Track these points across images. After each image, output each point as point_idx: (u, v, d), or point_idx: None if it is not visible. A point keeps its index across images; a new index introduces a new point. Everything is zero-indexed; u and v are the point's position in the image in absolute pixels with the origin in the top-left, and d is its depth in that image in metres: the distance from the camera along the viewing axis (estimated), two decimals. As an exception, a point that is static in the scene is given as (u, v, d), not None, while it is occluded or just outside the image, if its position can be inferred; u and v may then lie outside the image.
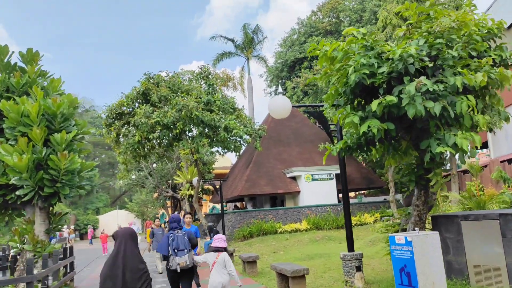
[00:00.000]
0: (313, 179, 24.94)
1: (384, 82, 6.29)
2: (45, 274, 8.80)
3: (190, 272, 6.97)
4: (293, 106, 8.56)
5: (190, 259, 6.76)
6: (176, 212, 14.18)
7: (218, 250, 6.55)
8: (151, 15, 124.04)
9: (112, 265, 3.99)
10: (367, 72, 6.04)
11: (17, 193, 10.16)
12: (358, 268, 8.27)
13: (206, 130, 18.76)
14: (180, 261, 6.68)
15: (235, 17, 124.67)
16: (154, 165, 31.08)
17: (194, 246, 7.02)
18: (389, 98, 5.90)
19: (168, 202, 37.68)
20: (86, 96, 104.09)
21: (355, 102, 7.13)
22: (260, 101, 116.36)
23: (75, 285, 12.86)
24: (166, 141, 19.02)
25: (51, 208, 11.09)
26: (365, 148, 7.25)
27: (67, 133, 10.66)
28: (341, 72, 6.55)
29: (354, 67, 6.15)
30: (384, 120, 6.37)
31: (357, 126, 6.41)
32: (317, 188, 24.82)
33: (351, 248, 8.54)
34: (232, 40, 43.39)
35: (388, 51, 6.26)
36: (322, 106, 9.50)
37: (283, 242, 19.42)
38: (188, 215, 9.87)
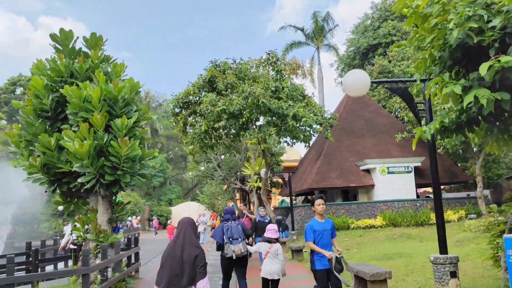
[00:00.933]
0: (389, 172, 23.13)
1: (496, 41, 4.89)
2: (102, 266, 8.35)
3: (244, 260, 7.22)
4: (372, 82, 7.30)
5: (244, 247, 7.05)
6: (242, 205, 13.58)
7: (270, 241, 6.86)
8: (220, 13, 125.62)
9: (172, 246, 4.39)
10: (475, 26, 4.70)
11: (79, 180, 9.87)
12: (453, 274, 6.89)
13: (274, 118, 17.83)
14: (235, 248, 6.94)
15: (304, 10, 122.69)
16: (222, 156, 30.78)
17: (247, 236, 7.39)
18: (505, 59, 4.51)
19: (237, 195, 37.42)
20: (159, 90, 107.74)
21: (453, 72, 5.76)
22: (331, 92, 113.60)
23: (140, 276, 12.54)
24: (233, 130, 18.36)
25: (113, 197, 10.75)
26: (466, 129, 5.85)
27: (128, 118, 10.20)
28: (438, 31, 5.23)
29: (455, 22, 4.82)
30: (495, 89, 4.98)
31: (458, 99, 5.09)
32: (393, 182, 23.00)
33: (443, 250, 7.16)
34: (302, 29, 42.10)
35: (500, 1, 4.85)
36: (406, 81, 8.11)
37: (357, 238, 18.05)
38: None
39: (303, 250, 14.47)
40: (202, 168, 32.32)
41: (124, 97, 10.41)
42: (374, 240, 17.30)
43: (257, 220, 12.54)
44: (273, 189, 34.11)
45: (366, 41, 37.88)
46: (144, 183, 10.25)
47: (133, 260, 12.39)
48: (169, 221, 23.01)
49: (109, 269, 8.98)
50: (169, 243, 4.48)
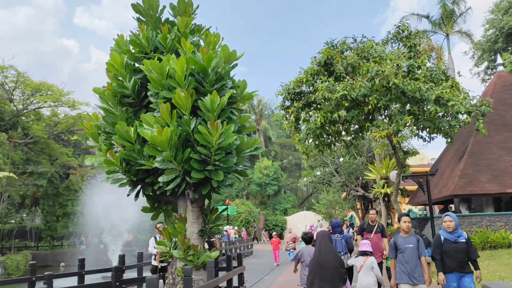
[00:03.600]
0: None
1: None
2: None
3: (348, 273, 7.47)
4: None
5: (346, 260, 7.81)
6: (374, 212, 10.48)
7: (365, 254, 7.04)
8: (333, 17, 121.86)
9: (318, 255, 5.24)
10: None
11: (160, 179, 7.51)
12: None
13: (408, 105, 14.14)
14: None
15: (422, 9, 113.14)
16: (341, 159, 27.31)
17: (350, 250, 8.42)
18: None
19: (358, 204, 33.52)
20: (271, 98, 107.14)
21: None
22: (464, 83, 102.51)
23: (245, 304, 9.88)
24: (355, 121, 15.02)
25: (206, 202, 8.24)
26: None
27: (220, 96, 7.62)
28: None
29: None
30: None
31: None
32: None
33: None
34: (427, 17, 37.04)
35: None
36: None
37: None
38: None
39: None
40: (318, 173, 29.18)
41: (216, 69, 7.88)
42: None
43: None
44: (399, 198, 29.63)
45: (511, 20, 31.54)
46: (243, 183, 7.47)
47: (235, 283, 9.79)
48: (274, 234, 20.67)
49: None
50: (314, 253, 5.43)
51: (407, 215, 6.85)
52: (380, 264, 8.99)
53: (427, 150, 59.47)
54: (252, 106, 65.49)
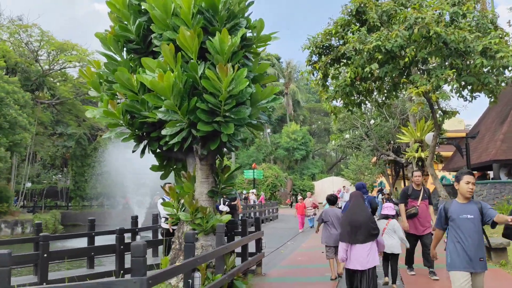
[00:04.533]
0: None
1: None
2: (180, 271, 4.92)
3: None
4: None
5: None
6: (419, 173, 9.29)
7: (387, 217, 7.18)
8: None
9: (350, 212, 5.58)
10: None
11: (163, 132, 6.61)
12: None
13: (449, 59, 12.64)
14: None
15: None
16: (372, 121, 25.84)
17: (374, 210, 7.93)
18: None
19: (388, 170, 32.14)
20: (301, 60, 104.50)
21: None
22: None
23: (263, 271, 9.08)
24: (389, 78, 13.64)
25: (218, 159, 7.33)
26: None
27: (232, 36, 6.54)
28: None
29: None
30: None
31: None
32: None
33: None
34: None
35: None
36: None
37: None
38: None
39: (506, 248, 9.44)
40: (347, 136, 27.83)
41: (228, 5, 6.76)
42: None
43: None
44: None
45: None
46: (257, 137, 6.47)
47: (254, 249, 8.98)
48: (299, 198, 19.14)
49: (196, 274, 5.53)
50: (347, 211, 5.78)
51: (471, 173, 4.72)
52: (429, 237, 7.85)
53: (463, 114, 56.72)
54: (281, 69, 63.79)
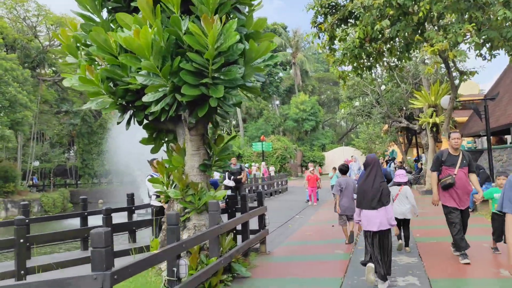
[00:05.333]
0: None
1: None
2: (175, 253, 4.18)
3: None
4: None
5: None
6: (457, 134, 8.34)
7: (400, 184, 7.38)
8: None
9: (366, 178, 5.72)
10: None
11: (144, 99, 5.77)
12: None
13: (468, 13, 11.50)
14: None
15: None
16: (383, 87, 24.67)
17: (388, 180, 8.46)
18: None
19: (400, 138, 31.10)
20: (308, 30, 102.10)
21: None
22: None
23: (267, 250, 8.37)
24: (401, 36, 12.56)
25: (210, 130, 6.49)
26: None
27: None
28: None
29: None
30: None
31: None
32: None
33: None
34: None
35: None
36: None
37: None
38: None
39: None
40: (357, 103, 26.70)
41: None
42: None
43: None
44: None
45: None
46: (250, 102, 5.62)
47: (258, 226, 8.25)
48: (311, 169, 17.04)
49: (183, 259, 4.79)
50: (363, 178, 5.84)
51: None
52: (466, 213, 6.65)
53: (476, 78, 54.96)
54: (288, 39, 62.12)
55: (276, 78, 62.34)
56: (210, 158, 6.33)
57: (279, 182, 25.08)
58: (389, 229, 5.63)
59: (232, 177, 16.30)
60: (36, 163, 39.11)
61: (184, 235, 5.99)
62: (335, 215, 9.75)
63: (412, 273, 6.16)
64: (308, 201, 17.52)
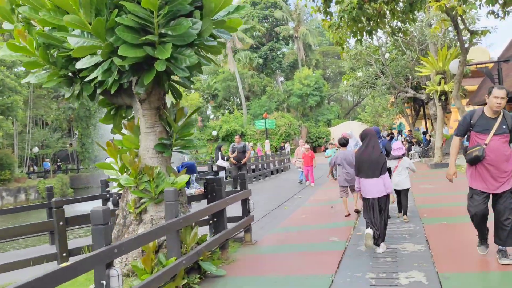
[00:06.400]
0: None
1: None
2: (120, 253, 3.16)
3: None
4: None
5: None
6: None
7: (398, 157, 7.70)
8: None
9: (365, 149, 5.93)
10: None
11: (77, 65, 4.65)
12: None
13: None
14: None
15: None
16: (387, 55, 23.21)
17: (388, 153, 8.19)
18: None
19: (408, 110, 29.74)
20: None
21: None
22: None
23: (253, 239, 7.34)
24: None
25: (165, 99, 5.36)
26: None
27: None
28: None
29: None
30: None
31: None
32: None
33: None
34: None
35: None
36: None
37: None
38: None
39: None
40: (360, 74, 25.24)
41: None
42: None
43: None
44: (453, 99, 25.53)
45: None
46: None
47: (242, 212, 7.22)
48: (304, 147, 15.84)
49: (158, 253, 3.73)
50: (360, 148, 6.10)
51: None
52: (508, 199, 4.68)
53: (490, 38, 52.93)
54: (289, 12, 60.08)
55: (278, 53, 60.67)
56: (170, 137, 5.22)
57: (281, 161, 24.01)
58: (386, 196, 5.90)
59: (232, 156, 15.28)
60: (36, 149, 38.38)
61: (140, 230, 4.96)
62: (336, 194, 9.59)
63: (418, 266, 5.09)
64: (301, 182, 16.23)
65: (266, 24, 60.42)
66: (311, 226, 8.42)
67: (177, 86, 5.55)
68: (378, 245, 5.75)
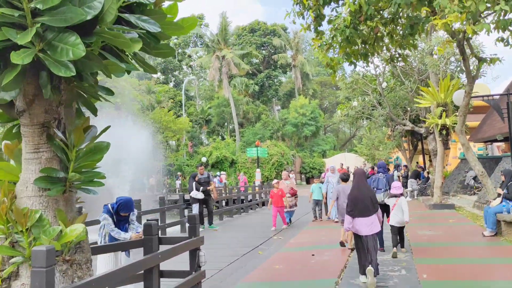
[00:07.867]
0: None
1: None
2: None
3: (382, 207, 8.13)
4: None
5: (384, 197, 8.71)
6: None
7: (396, 196, 8.16)
8: None
9: (356, 189, 6.31)
10: None
11: None
12: None
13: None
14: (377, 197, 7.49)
15: None
16: (384, 84, 21.86)
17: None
18: None
19: (405, 144, 28.27)
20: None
21: None
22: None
23: (202, 302, 5.62)
24: (405, 13, 9.89)
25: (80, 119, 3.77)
26: None
27: None
28: None
29: None
30: None
31: None
32: None
33: None
34: None
35: None
36: None
37: None
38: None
39: None
40: (355, 103, 23.82)
41: None
42: None
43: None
44: (453, 135, 24.02)
45: None
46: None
47: (183, 267, 5.53)
48: (274, 182, 13.63)
49: None
50: (352, 188, 6.47)
51: None
52: None
53: (485, 80, 52.09)
54: (288, 40, 59.59)
55: (275, 81, 59.80)
56: (63, 166, 3.60)
57: (262, 194, 22.27)
58: (377, 232, 6.31)
59: (201, 188, 13.63)
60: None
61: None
62: (321, 237, 9.90)
63: None
64: (289, 223, 13.93)
65: (264, 51, 59.79)
66: (282, 284, 6.72)
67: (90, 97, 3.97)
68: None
